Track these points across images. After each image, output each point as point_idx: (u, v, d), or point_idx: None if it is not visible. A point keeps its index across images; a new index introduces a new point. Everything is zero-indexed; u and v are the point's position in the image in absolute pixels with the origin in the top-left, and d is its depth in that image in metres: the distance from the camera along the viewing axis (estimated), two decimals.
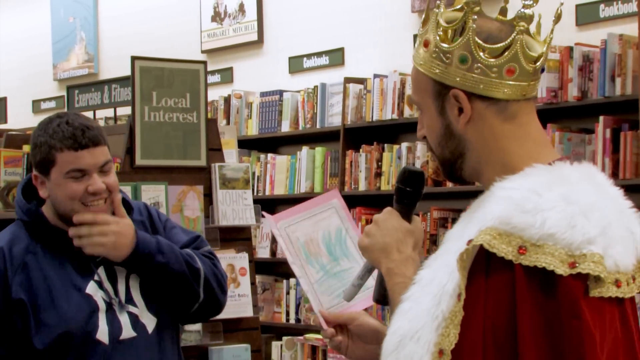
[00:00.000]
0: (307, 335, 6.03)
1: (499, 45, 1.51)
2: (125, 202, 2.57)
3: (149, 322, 2.48)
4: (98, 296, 2.43)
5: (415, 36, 1.67)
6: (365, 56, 6.37)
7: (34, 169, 2.45)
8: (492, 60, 1.51)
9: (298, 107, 6.39)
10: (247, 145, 6.58)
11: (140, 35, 8.03)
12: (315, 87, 6.26)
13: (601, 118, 4.75)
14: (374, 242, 1.63)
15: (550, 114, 5.01)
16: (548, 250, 1.39)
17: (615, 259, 1.43)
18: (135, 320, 2.45)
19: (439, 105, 1.55)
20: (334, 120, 6.13)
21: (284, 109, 6.44)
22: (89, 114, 6.54)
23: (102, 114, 6.84)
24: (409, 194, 1.67)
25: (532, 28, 1.56)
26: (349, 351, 1.81)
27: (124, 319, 2.44)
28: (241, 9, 7.24)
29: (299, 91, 6.44)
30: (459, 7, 1.55)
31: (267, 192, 6.44)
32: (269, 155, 6.55)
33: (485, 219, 1.43)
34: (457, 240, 1.48)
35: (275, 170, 6.44)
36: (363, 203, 5.89)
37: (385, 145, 5.81)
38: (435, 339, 1.42)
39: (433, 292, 1.45)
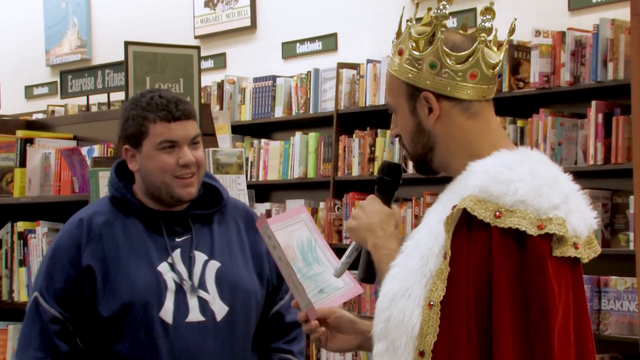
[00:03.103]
0: None
1: (463, 53, 1.75)
2: (216, 191, 2.57)
3: (220, 310, 2.47)
4: (168, 276, 2.45)
5: (407, 21, 1.80)
6: (358, 41, 6.37)
7: (125, 142, 2.48)
8: (458, 65, 1.75)
9: (291, 92, 6.39)
10: (240, 130, 6.58)
11: (133, 20, 8.02)
12: (309, 72, 6.27)
13: (593, 103, 4.76)
14: (360, 223, 1.85)
15: (542, 99, 5.02)
16: (520, 215, 1.64)
17: (573, 225, 1.68)
18: (204, 306, 2.46)
19: (411, 105, 1.78)
20: (327, 105, 6.13)
21: (277, 94, 6.45)
22: (82, 100, 6.55)
23: (95, 99, 6.84)
24: (389, 183, 1.90)
25: (489, 38, 1.80)
26: (329, 343, 2.00)
27: (193, 303, 2.45)
28: None
29: (292, 77, 6.44)
30: (427, 22, 1.79)
31: (261, 178, 6.45)
32: (262, 140, 6.55)
33: (466, 189, 1.68)
34: (439, 213, 1.71)
35: (268, 155, 6.45)
36: (356, 188, 5.90)
37: (379, 130, 5.82)
38: (425, 294, 1.65)
39: (420, 255, 1.69)
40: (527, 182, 1.66)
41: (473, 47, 1.75)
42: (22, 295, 4.04)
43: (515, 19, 1.85)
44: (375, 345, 1.71)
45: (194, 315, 2.44)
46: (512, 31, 1.83)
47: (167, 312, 2.42)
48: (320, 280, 2.03)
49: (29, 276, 3.99)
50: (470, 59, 1.75)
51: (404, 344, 1.65)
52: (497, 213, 1.64)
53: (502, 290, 1.63)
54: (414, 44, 1.78)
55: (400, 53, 1.80)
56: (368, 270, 1.88)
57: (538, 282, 1.63)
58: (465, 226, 1.66)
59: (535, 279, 1.63)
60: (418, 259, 1.68)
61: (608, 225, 4.76)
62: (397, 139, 1.86)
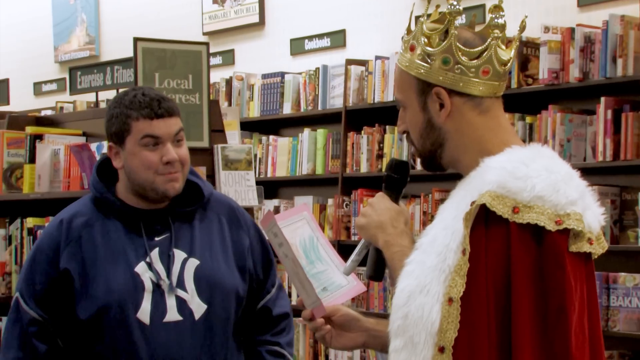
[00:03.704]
0: None
1: (476, 49, 1.76)
2: (197, 188, 2.57)
3: (198, 308, 2.48)
4: (146, 276, 2.46)
5: (416, 18, 1.80)
6: (367, 38, 6.37)
7: (109, 140, 2.51)
8: (471, 62, 1.76)
9: (300, 89, 6.39)
10: (248, 127, 6.58)
11: (142, 17, 8.02)
12: (317, 69, 6.26)
13: (602, 99, 4.75)
14: (370, 221, 1.85)
15: (551, 95, 5.01)
16: (538, 210, 1.65)
17: (588, 221, 1.70)
18: (182, 305, 2.47)
19: (421, 101, 1.79)
20: (336, 102, 6.13)
21: (286, 90, 6.45)
22: (90, 96, 6.56)
23: (104, 95, 6.84)
24: (397, 180, 1.91)
25: (501, 35, 1.79)
26: (334, 340, 2.01)
27: (171, 302, 2.46)
28: None
29: (300, 73, 6.44)
30: (437, 18, 1.81)
31: (269, 174, 6.45)
32: (271, 137, 6.55)
33: (484, 185, 1.68)
34: (454, 209, 1.72)
35: (277, 152, 6.45)
36: (365, 185, 5.90)
37: (387, 127, 5.82)
38: (444, 290, 1.66)
39: (436, 251, 1.69)
40: (543, 177, 1.67)
41: (486, 44, 1.76)
42: None
43: (526, 17, 1.85)
44: (392, 342, 1.71)
45: (172, 315, 2.45)
46: (522, 28, 1.83)
47: (144, 313, 2.43)
48: (323, 279, 2.04)
49: None
50: (483, 55, 1.76)
51: (423, 340, 1.66)
52: (515, 208, 1.65)
53: (521, 286, 1.64)
54: (426, 40, 1.78)
55: (412, 49, 1.80)
56: (377, 268, 1.88)
57: (556, 278, 1.64)
58: (483, 222, 1.66)
59: (553, 275, 1.64)
60: (435, 256, 1.69)
61: (617, 221, 4.75)
62: (404, 135, 1.86)
